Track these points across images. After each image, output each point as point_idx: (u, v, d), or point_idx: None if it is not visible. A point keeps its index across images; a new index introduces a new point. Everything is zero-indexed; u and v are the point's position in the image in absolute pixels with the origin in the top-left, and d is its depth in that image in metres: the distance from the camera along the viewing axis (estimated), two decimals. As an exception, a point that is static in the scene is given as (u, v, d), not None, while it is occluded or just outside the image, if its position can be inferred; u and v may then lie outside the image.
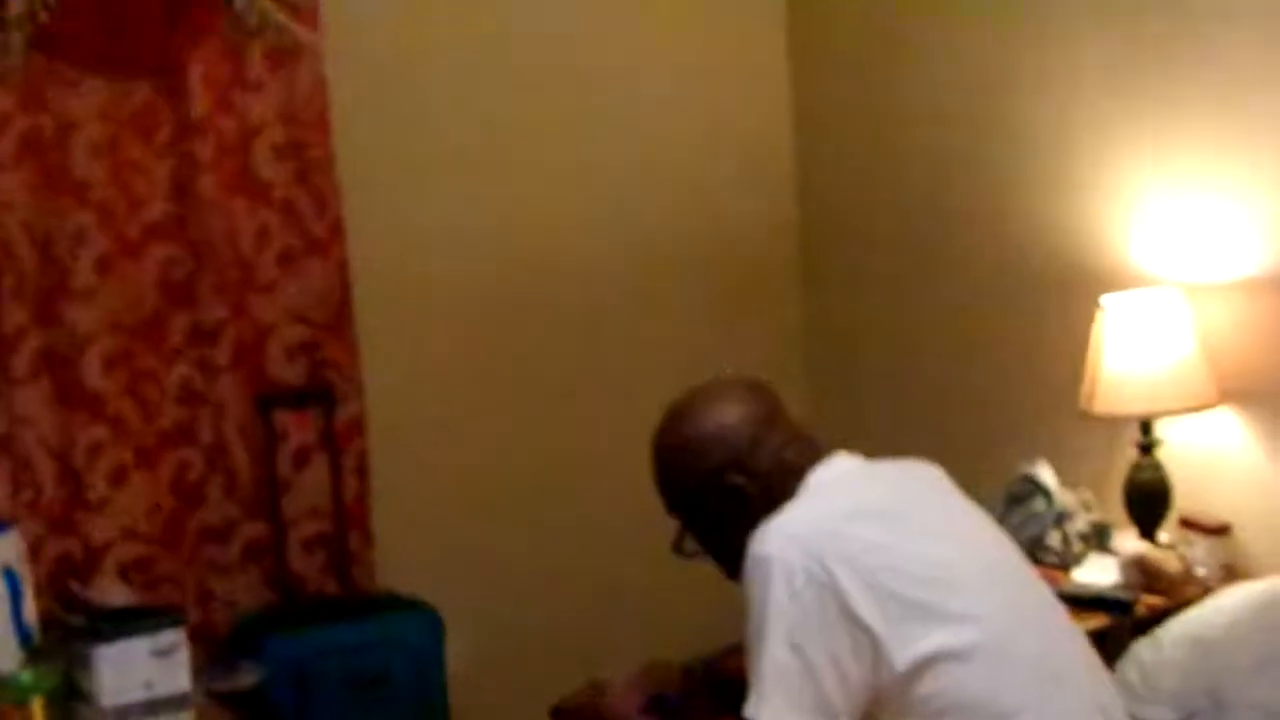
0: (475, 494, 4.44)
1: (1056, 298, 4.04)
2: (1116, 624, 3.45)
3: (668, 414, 2.53)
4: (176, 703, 3.42)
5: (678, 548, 2.54)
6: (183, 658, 3.45)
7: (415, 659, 3.93)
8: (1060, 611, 2.52)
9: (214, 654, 3.88)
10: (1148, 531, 3.71)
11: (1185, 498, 3.72)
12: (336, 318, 4.12)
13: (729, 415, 2.46)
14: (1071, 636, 2.50)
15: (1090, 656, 2.52)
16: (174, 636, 3.44)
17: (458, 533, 4.39)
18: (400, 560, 4.24)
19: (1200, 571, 3.61)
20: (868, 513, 2.37)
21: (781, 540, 2.28)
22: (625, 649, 4.43)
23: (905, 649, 2.23)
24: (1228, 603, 3.35)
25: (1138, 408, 3.66)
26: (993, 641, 2.28)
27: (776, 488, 2.42)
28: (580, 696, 2.66)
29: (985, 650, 2.27)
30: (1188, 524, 3.68)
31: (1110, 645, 3.32)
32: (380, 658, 3.90)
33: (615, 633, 4.50)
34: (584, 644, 4.43)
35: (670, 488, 2.51)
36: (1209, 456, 3.75)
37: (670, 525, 2.54)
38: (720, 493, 2.43)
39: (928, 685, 2.23)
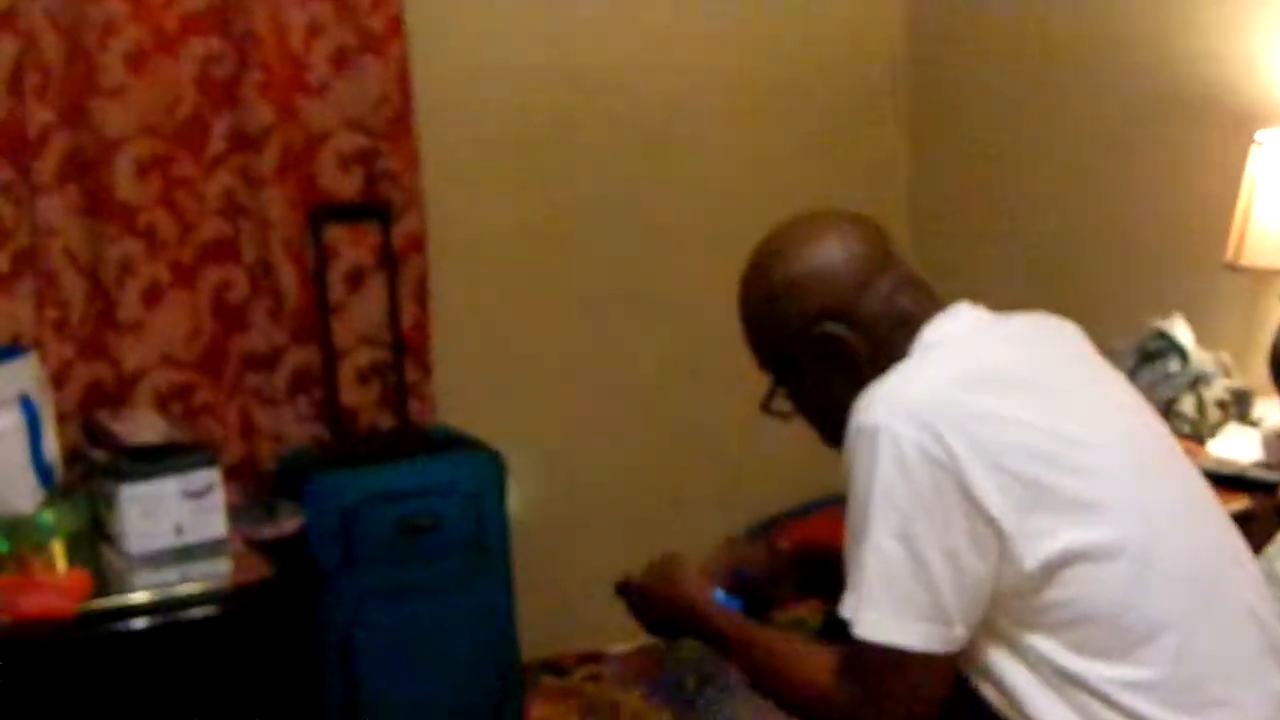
0: (545, 325, 4.11)
1: (1204, 132, 3.57)
2: (1258, 507, 3.07)
3: (758, 251, 2.15)
4: (210, 549, 3.17)
5: (767, 406, 2.18)
6: (217, 500, 3.19)
7: (473, 504, 3.64)
8: (1216, 506, 2.14)
9: (254, 494, 3.60)
10: (1296, 402, 3.31)
11: (1341, 366, 3.30)
12: (395, 125, 3.77)
13: (830, 254, 2.08)
14: (1227, 536, 2.12)
15: (1245, 558, 2.15)
16: (208, 476, 3.18)
17: (525, 367, 4.08)
18: (461, 395, 3.93)
19: (1353, 451, 3.21)
20: (996, 379, 1.99)
21: (891, 408, 1.91)
22: (701, 504, 4.24)
23: (1036, 544, 1.87)
24: (1390, 492, 2.96)
25: (1293, 262, 3.23)
26: (1139, 542, 1.92)
27: (885, 343, 2.05)
28: (650, 574, 2.31)
29: (1129, 552, 1.90)
30: (1342, 396, 3.27)
31: (1250, 532, 2.95)
32: (435, 502, 3.60)
33: (691, 485, 4.26)
34: (658, 495, 4.21)
35: (760, 339, 2.15)
36: (1372, 322, 3.32)
37: (761, 376, 2.19)
38: (817, 345, 2.07)
39: (1059, 591, 1.88)
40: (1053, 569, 1.88)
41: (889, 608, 1.89)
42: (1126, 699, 1.89)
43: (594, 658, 4.12)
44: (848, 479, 1.95)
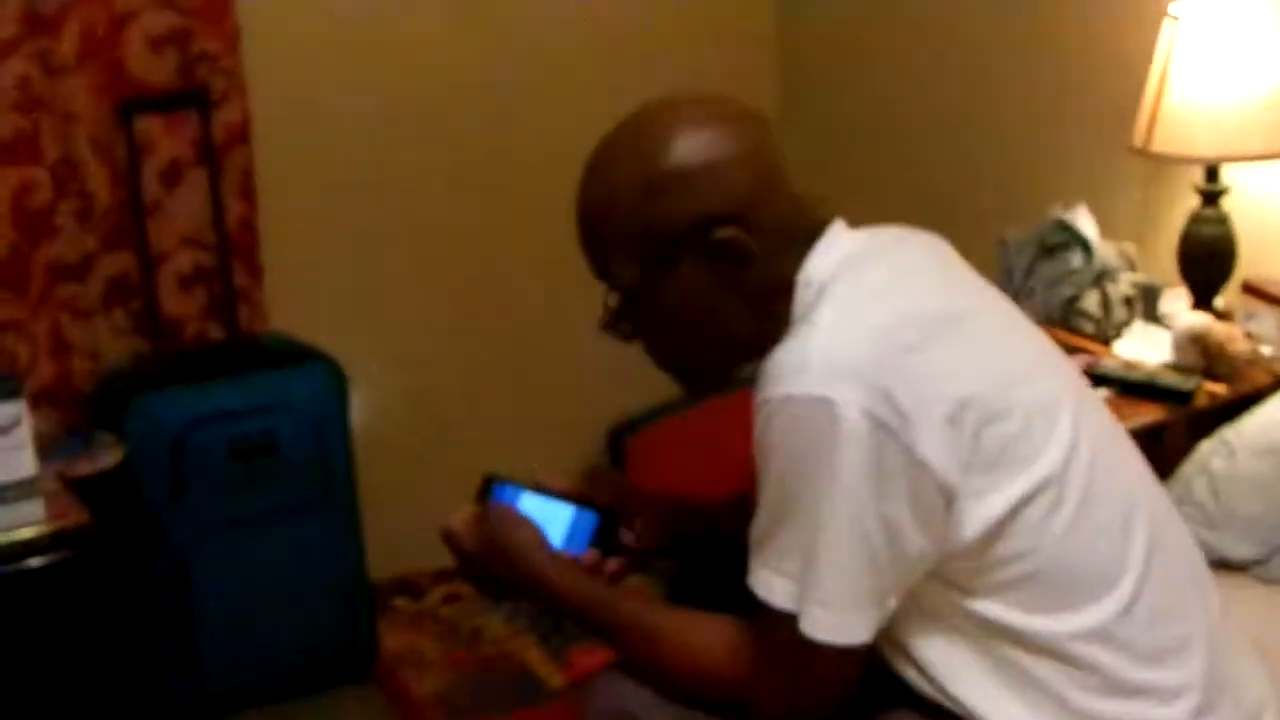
0: (386, 220, 3.75)
1: (1110, 3, 3.27)
2: (1171, 419, 2.84)
3: (634, 129, 1.80)
4: (20, 492, 2.78)
5: (613, 325, 1.85)
6: (23, 436, 2.80)
7: (313, 421, 3.37)
8: (1122, 429, 1.94)
9: (70, 421, 3.26)
10: (1204, 298, 3.06)
11: (1252, 260, 3.06)
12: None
13: (735, 144, 1.76)
14: (1142, 463, 1.92)
15: (1163, 492, 1.95)
16: (11, 411, 2.78)
17: (365, 267, 3.75)
18: (296, 300, 3.61)
19: (1266, 351, 2.98)
20: (927, 318, 1.73)
21: (831, 370, 1.64)
22: (555, 408, 3.99)
23: (985, 501, 1.67)
24: (1314, 401, 2.75)
25: (1207, 149, 2.94)
26: (1084, 481, 1.73)
27: (777, 260, 1.77)
28: (481, 533, 1.93)
29: (1076, 492, 1.72)
30: (1254, 291, 3.03)
31: (1166, 445, 2.73)
32: (271, 420, 3.31)
33: (544, 390, 3.99)
34: (509, 401, 3.94)
35: (623, 237, 1.78)
36: (1287, 212, 3.10)
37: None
38: (710, 253, 1.75)
39: (1008, 544, 1.69)
40: (1002, 523, 1.68)
41: (840, 603, 1.67)
42: (1088, 651, 1.71)
43: (451, 574, 3.80)
44: (771, 451, 1.67)
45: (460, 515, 1.97)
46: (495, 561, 1.92)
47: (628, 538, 2.00)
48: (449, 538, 1.97)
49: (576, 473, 3.88)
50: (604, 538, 1.96)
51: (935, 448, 1.64)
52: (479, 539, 1.93)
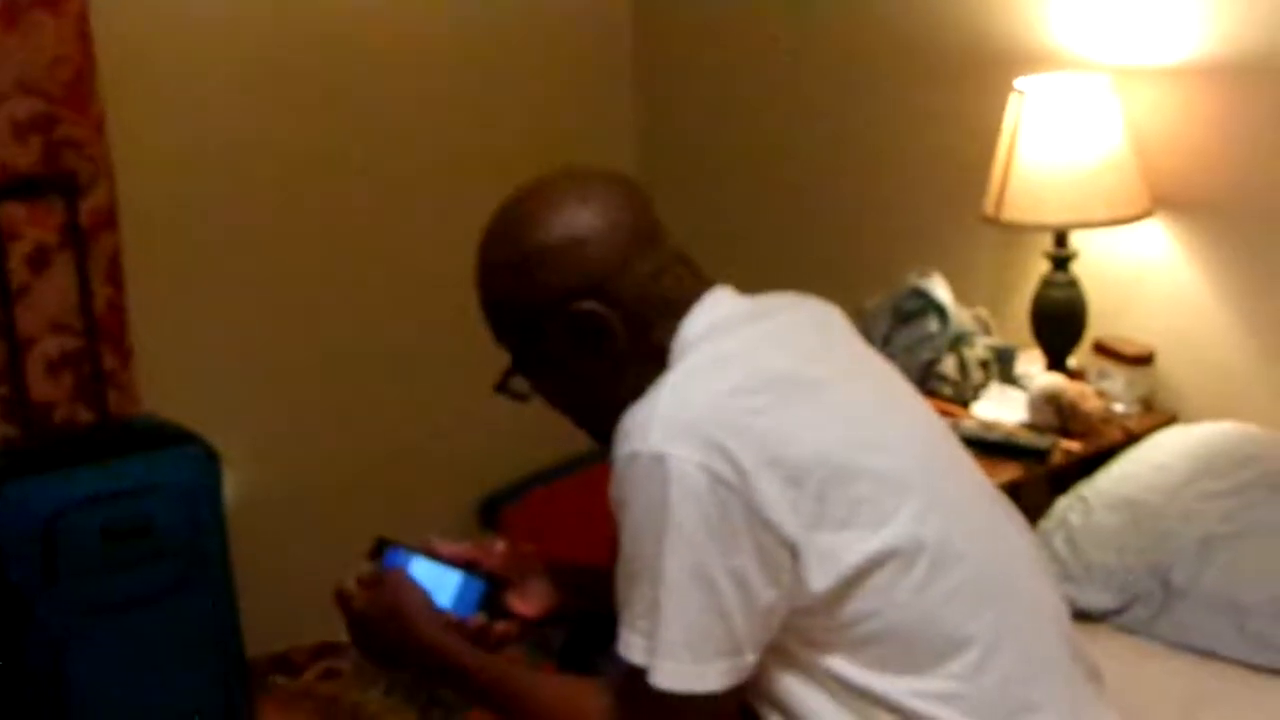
0: (255, 301, 3.77)
1: (958, 80, 3.42)
2: (1028, 475, 2.95)
3: (506, 211, 1.89)
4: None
5: (504, 386, 1.94)
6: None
7: (187, 503, 3.34)
8: (1006, 501, 2.00)
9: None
10: (1057, 359, 3.19)
11: (1102, 321, 3.20)
12: (76, 86, 3.39)
13: (592, 221, 1.83)
14: (1012, 524, 1.99)
15: (1033, 548, 2.02)
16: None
17: (235, 348, 3.76)
18: (167, 382, 3.60)
19: (1118, 408, 3.10)
20: (779, 383, 1.79)
21: (671, 429, 1.70)
22: (427, 484, 4.02)
23: (832, 560, 1.72)
24: (1163, 455, 2.87)
25: (1055, 216, 3.07)
26: (938, 545, 1.77)
27: (645, 329, 1.84)
28: (373, 601, 1.97)
29: (929, 556, 1.76)
30: (1104, 351, 3.16)
31: (1024, 503, 2.82)
32: (144, 504, 3.28)
33: (416, 466, 4.02)
34: (381, 477, 3.96)
35: (501, 310, 1.89)
36: (1132, 273, 3.22)
37: (491, 352, 1.93)
38: (572, 324, 1.84)
39: (857, 604, 1.73)
40: (850, 583, 1.73)
41: (687, 653, 1.71)
42: (934, 711, 1.75)
43: (329, 649, 3.83)
44: (622, 508, 1.73)
45: (355, 577, 2.00)
46: (384, 625, 1.95)
47: (515, 603, 2.05)
48: (342, 599, 1.99)
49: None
50: (491, 602, 2.00)
51: (776, 505, 1.69)
52: (371, 601, 1.96)
